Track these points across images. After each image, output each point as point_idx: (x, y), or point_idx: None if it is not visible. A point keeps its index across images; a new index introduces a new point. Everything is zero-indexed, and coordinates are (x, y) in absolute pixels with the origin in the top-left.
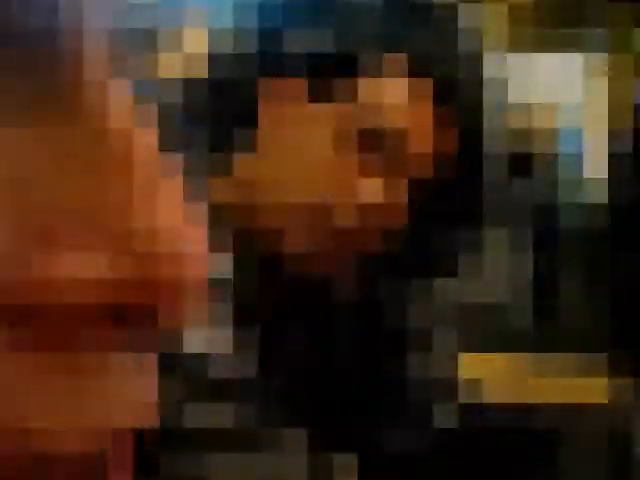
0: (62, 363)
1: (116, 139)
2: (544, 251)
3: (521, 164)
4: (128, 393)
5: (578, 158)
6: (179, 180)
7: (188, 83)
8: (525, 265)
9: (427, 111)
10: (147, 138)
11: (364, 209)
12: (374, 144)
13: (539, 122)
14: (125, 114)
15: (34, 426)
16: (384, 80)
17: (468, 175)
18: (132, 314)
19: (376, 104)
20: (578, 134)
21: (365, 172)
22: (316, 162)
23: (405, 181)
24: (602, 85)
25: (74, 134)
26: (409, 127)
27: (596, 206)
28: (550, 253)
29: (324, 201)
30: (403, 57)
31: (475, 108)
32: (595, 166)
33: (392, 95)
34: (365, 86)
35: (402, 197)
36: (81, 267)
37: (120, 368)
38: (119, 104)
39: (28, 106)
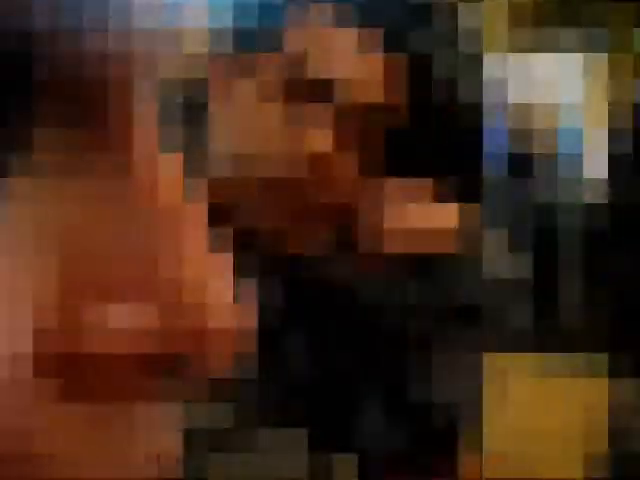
0: (91, 412)
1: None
2: (544, 251)
3: (521, 164)
4: (154, 445)
5: (578, 158)
6: (205, 230)
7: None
8: (525, 265)
9: (377, 61)
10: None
11: (314, 159)
12: (323, 94)
13: (539, 122)
14: (173, 168)
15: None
16: (333, 30)
17: (420, 126)
18: (166, 364)
19: (325, 54)
20: (578, 134)
21: (315, 122)
22: (265, 113)
23: (356, 131)
24: (602, 85)
25: (120, 186)
26: (359, 77)
27: (596, 206)
28: (550, 253)
29: (273, 152)
30: (350, 7)
31: (425, 57)
32: (595, 166)
33: (341, 45)
34: (314, 36)
35: (352, 147)
36: (117, 318)
37: (148, 419)
38: (166, 158)
39: (77, 156)
